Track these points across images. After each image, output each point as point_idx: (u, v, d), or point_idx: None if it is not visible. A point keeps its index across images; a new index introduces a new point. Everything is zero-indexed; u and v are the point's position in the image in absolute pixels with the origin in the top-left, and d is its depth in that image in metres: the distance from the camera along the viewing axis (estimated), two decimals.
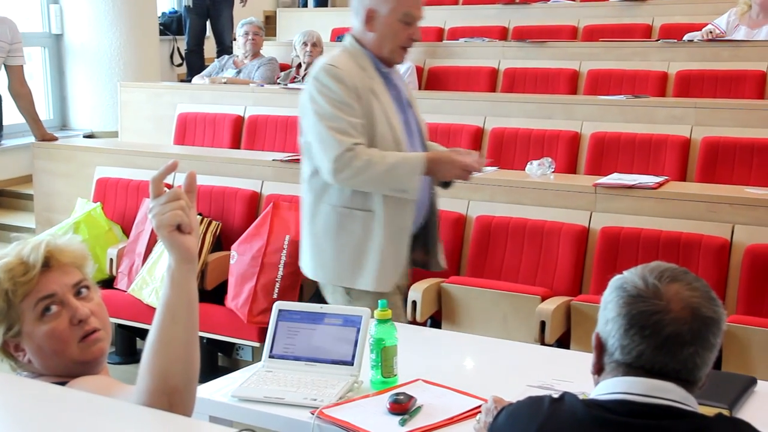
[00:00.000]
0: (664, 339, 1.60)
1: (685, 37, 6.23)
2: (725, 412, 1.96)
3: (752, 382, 2.47)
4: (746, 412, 2.29)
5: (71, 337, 1.84)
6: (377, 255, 3.13)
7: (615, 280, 1.70)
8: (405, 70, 6.50)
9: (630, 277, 1.67)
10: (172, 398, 1.63)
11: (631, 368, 1.64)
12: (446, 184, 3.36)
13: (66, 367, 1.84)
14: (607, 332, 1.67)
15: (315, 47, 6.81)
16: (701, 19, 6.45)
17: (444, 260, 3.44)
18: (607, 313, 1.67)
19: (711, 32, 6.10)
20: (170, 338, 1.65)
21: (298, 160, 4.99)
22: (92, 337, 1.85)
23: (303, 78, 6.73)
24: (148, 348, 1.66)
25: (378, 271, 3.14)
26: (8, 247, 1.86)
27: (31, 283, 1.81)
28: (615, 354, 1.66)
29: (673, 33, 6.54)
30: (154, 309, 1.78)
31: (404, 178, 3.06)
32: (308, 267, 3.31)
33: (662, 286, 1.63)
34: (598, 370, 1.71)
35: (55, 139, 6.15)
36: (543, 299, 3.82)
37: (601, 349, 1.69)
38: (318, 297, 4.28)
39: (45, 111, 7.48)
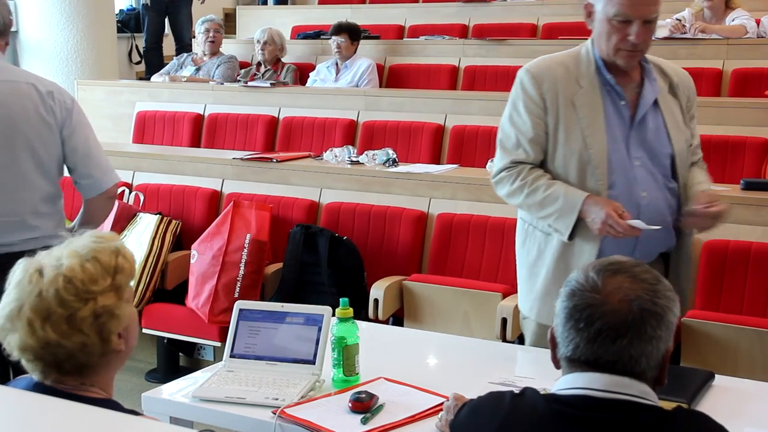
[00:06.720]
0: (596, 331, 1.63)
1: None
2: (684, 406, 1.99)
3: (710, 376, 2.49)
4: (705, 406, 2.31)
5: None
6: (543, 282, 2.78)
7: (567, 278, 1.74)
8: (365, 68, 6.51)
9: (576, 272, 1.72)
10: None
11: (573, 362, 1.67)
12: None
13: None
14: (555, 327, 1.72)
15: (267, 45, 6.79)
16: (660, 17, 6.51)
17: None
18: (556, 309, 1.72)
19: (680, 22, 6.12)
20: None
21: (259, 158, 5.00)
22: None
23: (263, 76, 6.70)
24: None
25: (541, 300, 2.80)
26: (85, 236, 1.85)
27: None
28: (561, 348, 1.69)
29: None
30: None
31: (554, 216, 2.68)
32: None
33: (602, 279, 1.66)
34: (556, 365, 1.74)
35: None
36: (504, 296, 3.83)
37: (554, 343, 1.73)
38: (279, 296, 4.28)
39: None
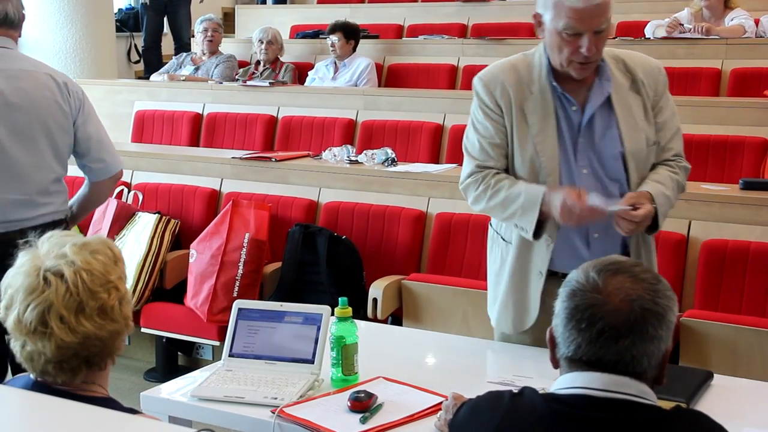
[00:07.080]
0: (598, 331, 1.63)
1: (648, 26, 6.27)
2: (683, 406, 1.99)
3: (709, 376, 2.50)
4: (703, 406, 2.31)
5: None
6: (504, 290, 2.78)
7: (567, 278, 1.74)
8: (364, 67, 6.51)
9: (576, 272, 1.71)
10: None
11: (574, 362, 1.67)
12: (652, 228, 2.65)
13: None
14: (555, 327, 1.71)
15: (270, 44, 6.79)
16: (659, 17, 6.52)
17: None
18: (556, 309, 1.71)
19: (678, 23, 6.12)
20: None
21: (257, 158, 4.99)
22: None
23: (262, 75, 6.70)
24: None
25: (500, 308, 2.80)
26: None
27: None
28: (561, 348, 1.69)
29: (631, 31, 6.60)
30: None
31: (518, 214, 2.62)
32: None
33: (603, 279, 1.66)
34: (555, 364, 1.74)
35: None
36: None
37: (553, 343, 1.73)
38: (278, 295, 4.28)
39: None
